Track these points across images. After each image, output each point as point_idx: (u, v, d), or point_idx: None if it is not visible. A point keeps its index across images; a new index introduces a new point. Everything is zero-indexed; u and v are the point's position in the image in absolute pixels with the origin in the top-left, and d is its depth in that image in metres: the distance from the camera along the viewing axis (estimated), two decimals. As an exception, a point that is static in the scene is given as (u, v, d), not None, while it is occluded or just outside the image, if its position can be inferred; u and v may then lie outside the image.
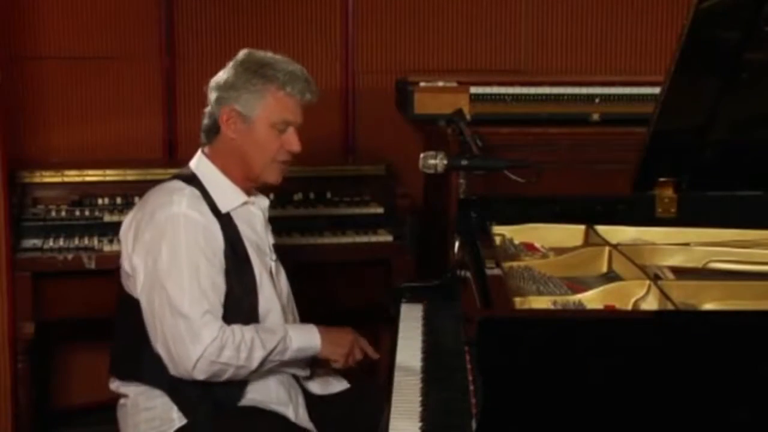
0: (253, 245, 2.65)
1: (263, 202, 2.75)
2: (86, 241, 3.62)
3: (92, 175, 3.83)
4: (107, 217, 3.70)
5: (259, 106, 2.59)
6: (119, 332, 2.67)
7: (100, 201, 3.78)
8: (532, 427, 1.77)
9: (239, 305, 2.57)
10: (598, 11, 4.39)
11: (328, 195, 3.93)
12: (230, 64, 2.65)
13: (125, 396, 2.65)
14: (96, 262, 3.55)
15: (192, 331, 2.45)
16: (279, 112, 2.60)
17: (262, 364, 2.52)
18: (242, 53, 2.66)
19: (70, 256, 3.55)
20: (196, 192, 2.58)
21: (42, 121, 4.08)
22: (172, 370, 2.50)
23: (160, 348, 2.50)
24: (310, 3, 4.29)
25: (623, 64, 4.39)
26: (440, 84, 3.83)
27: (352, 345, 2.68)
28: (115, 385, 2.67)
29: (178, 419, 2.56)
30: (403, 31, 4.33)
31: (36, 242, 3.59)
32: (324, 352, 2.63)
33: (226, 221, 2.59)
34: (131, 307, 2.57)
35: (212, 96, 2.64)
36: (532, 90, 3.83)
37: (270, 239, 2.75)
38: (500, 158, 3.00)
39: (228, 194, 2.63)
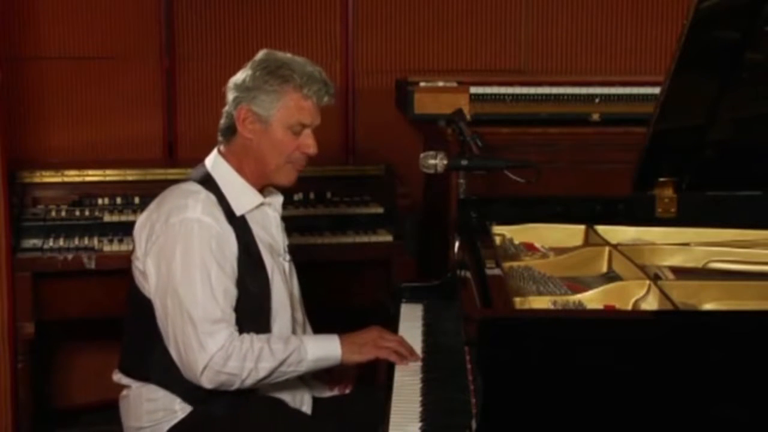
0: (266, 247, 2.63)
1: (278, 200, 2.73)
2: (86, 241, 3.62)
3: (92, 175, 3.83)
4: (107, 217, 3.70)
5: (275, 107, 2.56)
6: (128, 329, 2.66)
7: (100, 201, 3.78)
8: (532, 426, 1.77)
9: (252, 307, 2.56)
10: (598, 11, 4.39)
11: (328, 195, 3.93)
12: (249, 64, 2.62)
13: (128, 387, 2.64)
14: (96, 262, 3.55)
15: (200, 339, 2.44)
16: (294, 114, 2.58)
17: (271, 373, 2.48)
18: (261, 53, 2.63)
19: (70, 256, 3.55)
20: (212, 197, 2.56)
21: (42, 121, 4.08)
22: (184, 374, 2.50)
23: (172, 351, 2.50)
24: (310, 3, 4.29)
25: (623, 64, 4.39)
26: (440, 84, 3.83)
27: (375, 339, 2.54)
28: (117, 377, 2.67)
29: (181, 410, 2.55)
30: (403, 31, 4.33)
31: (36, 242, 3.59)
32: (347, 359, 2.55)
33: (240, 224, 2.58)
34: (142, 305, 2.56)
35: (230, 96, 2.61)
36: (532, 90, 3.83)
37: (285, 240, 2.74)
38: (500, 158, 2.99)
39: (243, 196, 2.61)
